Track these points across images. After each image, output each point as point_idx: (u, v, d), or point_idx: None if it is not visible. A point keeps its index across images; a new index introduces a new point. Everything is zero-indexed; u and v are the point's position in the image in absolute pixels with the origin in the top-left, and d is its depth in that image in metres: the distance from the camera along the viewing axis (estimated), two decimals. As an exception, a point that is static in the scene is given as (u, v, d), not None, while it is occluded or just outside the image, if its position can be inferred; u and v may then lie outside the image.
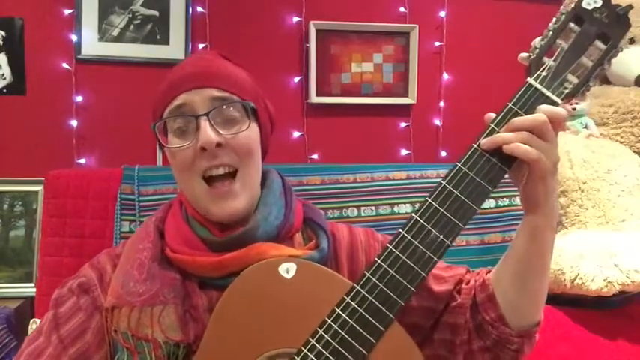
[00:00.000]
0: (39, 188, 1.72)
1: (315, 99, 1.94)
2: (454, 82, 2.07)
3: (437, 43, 2.06)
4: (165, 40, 1.87)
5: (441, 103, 2.06)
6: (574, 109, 1.63)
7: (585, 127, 1.61)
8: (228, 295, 0.73)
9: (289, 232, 0.85)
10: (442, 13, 2.06)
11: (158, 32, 1.86)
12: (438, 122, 2.07)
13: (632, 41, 1.77)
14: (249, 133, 0.81)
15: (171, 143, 0.80)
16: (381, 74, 2.01)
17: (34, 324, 1.26)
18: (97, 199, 1.34)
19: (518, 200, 1.47)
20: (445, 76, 2.07)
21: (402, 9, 2.02)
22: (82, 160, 1.83)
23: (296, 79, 1.97)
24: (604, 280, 1.27)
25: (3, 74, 1.79)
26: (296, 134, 1.97)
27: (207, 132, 0.76)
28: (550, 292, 1.41)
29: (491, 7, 2.08)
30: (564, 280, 1.34)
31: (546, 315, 1.38)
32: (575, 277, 1.31)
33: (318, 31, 1.93)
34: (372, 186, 1.44)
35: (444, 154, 2.07)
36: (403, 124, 2.05)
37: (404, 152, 2.04)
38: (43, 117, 1.81)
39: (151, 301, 0.77)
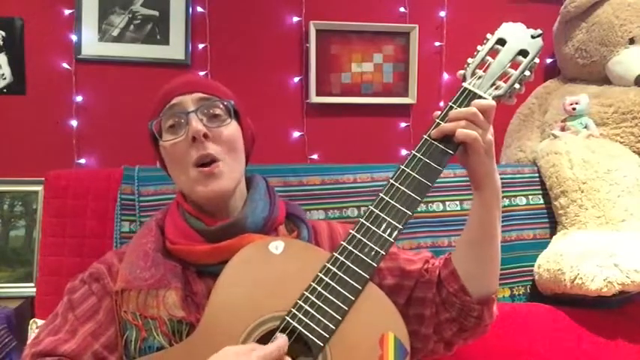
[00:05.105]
0: (39, 188, 1.72)
1: (315, 99, 1.94)
2: (454, 82, 2.06)
3: (437, 43, 2.06)
4: (165, 40, 1.87)
5: (441, 103, 2.06)
6: (574, 109, 1.63)
7: (585, 127, 1.61)
8: (225, 271, 0.83)
9: (274, 224, 0.97)
10: (442, 13, 2.06)
11: (158, 32, 1.87)
12: (438, 122, 2.07)
13: (632, 41, 1.77)
14: (231, 128, 0.94)
15: (165, 138, 0.94)
16: (381, 74, 2.01)
17: (34, 324, 1.26)
18: (97, 199, 1.34)
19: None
20: (445, 76, 2.07)
21: (402, 9, 2.02)
22: (82, 160, 1.83)
23: (296, 79, 1.97)
24: (604, 280, 1.27)
25: (3, 74, 1.79)
26: (296, 134, 1.97)
27: (196, 124, 0.90)
28: (550, 292, 1.43)
29: (491, 7, 2.08)
30: (564, 280, 1.33)
31: (546, 315, 1.39)
32: (575, 277, 1.31)
33: (318, 31, 1.93)
34: (372, 186, 1.43)
35: (443, 154, 2.07)
36: (403, 124, 2.05)
37: (404, 152, 2.04)
38: (43, 117, 1.81)
39: (156, 284, 0.88)
